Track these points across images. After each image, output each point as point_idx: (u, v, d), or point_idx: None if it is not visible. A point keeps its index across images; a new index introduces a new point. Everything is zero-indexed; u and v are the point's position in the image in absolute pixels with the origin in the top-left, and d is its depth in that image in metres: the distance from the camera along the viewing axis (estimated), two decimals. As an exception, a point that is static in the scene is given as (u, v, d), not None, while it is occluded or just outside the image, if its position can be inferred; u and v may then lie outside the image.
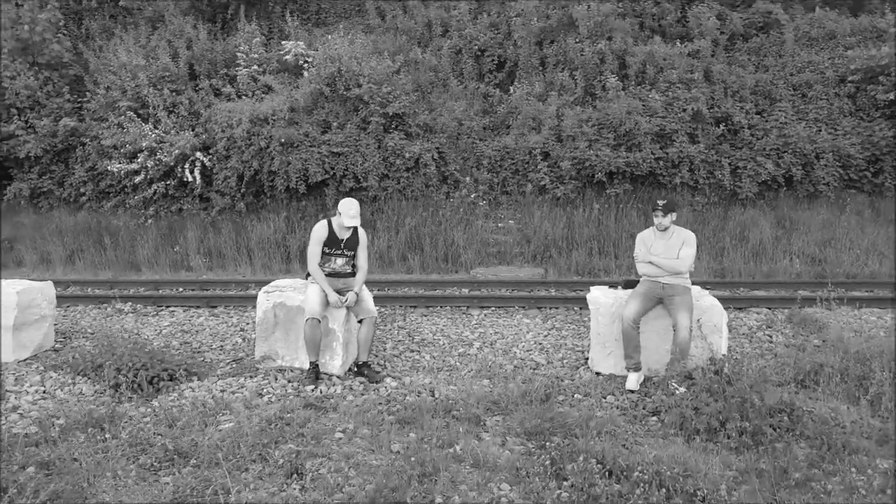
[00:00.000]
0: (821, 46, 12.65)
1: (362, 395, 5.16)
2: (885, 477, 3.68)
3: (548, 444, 4.06)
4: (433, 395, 5.11)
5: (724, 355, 5.19)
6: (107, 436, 4.08)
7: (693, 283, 5.65)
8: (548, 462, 3.81)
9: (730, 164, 11.11)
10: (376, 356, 6.08)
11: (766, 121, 11.39)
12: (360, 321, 5.53)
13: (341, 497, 3.51)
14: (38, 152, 11.92)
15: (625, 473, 3.68)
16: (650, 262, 5.48)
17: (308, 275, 5.63)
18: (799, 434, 4.27)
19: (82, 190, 12.25)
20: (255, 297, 5.88)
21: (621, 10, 12.69)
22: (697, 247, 5.67)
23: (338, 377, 5.48)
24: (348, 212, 5.47)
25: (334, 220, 5.60)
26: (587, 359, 5.97)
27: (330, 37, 12.60)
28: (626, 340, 5.38)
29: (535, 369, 5.80)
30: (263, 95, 12.00)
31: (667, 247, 5.49)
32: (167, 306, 8.09)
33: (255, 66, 12.37)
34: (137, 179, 11.53)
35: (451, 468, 3.81)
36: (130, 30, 13.38)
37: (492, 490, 3.62)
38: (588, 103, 11.82)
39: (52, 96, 12.26)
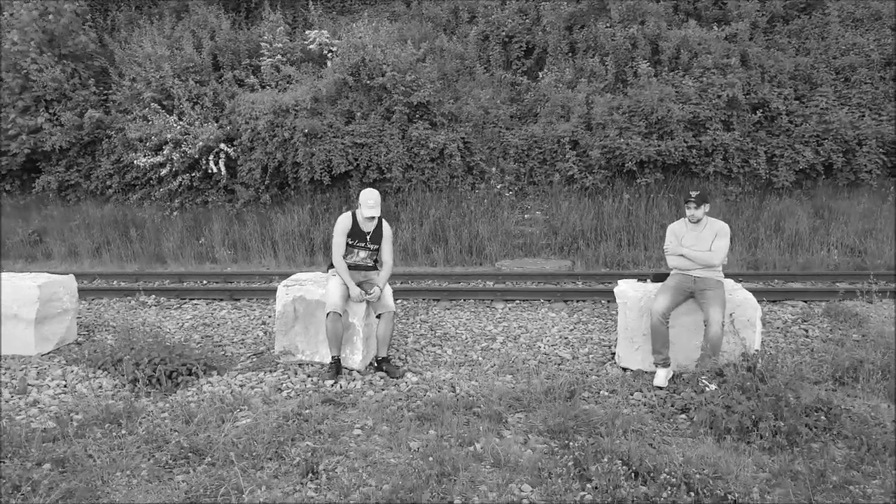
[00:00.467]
0: (866, 28, 12.08)
1: (382, 390, 5.06)
2: (932, 483, 3.46)
3: (571, 443, 3.91)
4: (454, 391, 4.98)
5: (757, 351, 4.97)
6: (123, 432, 4.05)
7: (726, 276, 5.41)
8: (571, 462, 3.65)
9: (766, 151, 10.72)
10: (397, 350, 5.98)
11: (806, 106, 10.94)
12: (378, 316, 5.42)
13: (357, 498, 3.40)
14: (65, 145, 12.06)
15: (651, 475, 3.51)
16: (681, 255, 5.27)
17: (330, 266, 5.54)
18: (836, 434, 4.05)
19: (108, 182, 12.38)
20: (277, 290, 5.81)
21: (655, -7, 12.29)
22: (731, 238, 5.42)
23: (358, 372, 5.39)
24: (367, 201, 5.36)
25: (358, 212, 5.49)
26: (614, 354, 5.79)
27: (354, 25, 12.48)
28: (655, 335, 5.19)
29: (559, 365, 5.63)
30: (287, 86, 11.94)
31: (699, 238, 5.26)
32: (190, 299, 8.12)
33: (279, 56, 12.31)
34: (163, 172, 11.59)
35: (470, 468, 3.69)
36: (155, 20, 13.43)
37: (512, 491, 3.48)
38: (619, 90, 11.51)
39: (77, 88, 12.39)
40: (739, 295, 5.41)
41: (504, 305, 7.46)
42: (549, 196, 11.22)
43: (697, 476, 3.43)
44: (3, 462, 3.66)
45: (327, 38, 12.47)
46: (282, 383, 5.16)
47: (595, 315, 7.00)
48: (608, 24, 12.07)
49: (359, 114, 11.41)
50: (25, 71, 11.93)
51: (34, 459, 3.68)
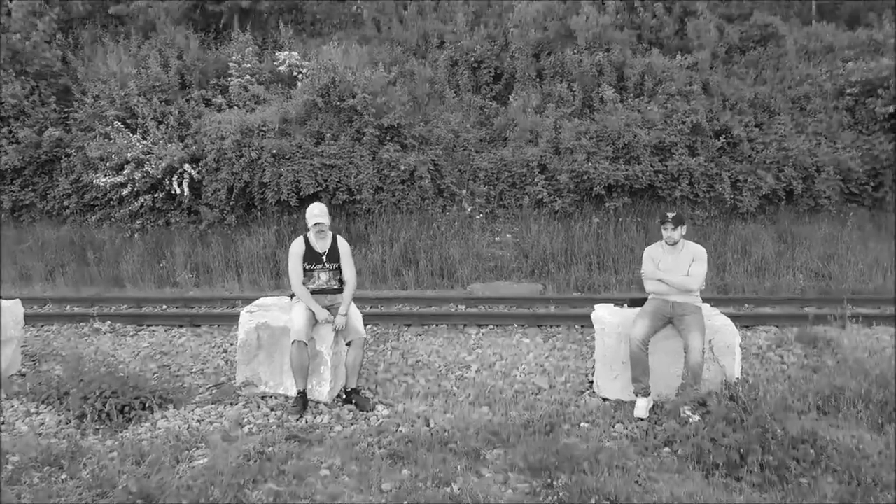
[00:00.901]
0: (819, 59, 12.50)
1: (352, 424, 4.79)
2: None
3: (555, 482, 3.70)
4: (428, 426, 4.75)
5: (738, 379, 4.86)
6: (64, 476, 3.69)
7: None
8: (555, 504, 3.46)
9: (730, 177, 10.84)
10: (367, 380, 5.71)
11: (766, 134, 11.16)
12: (347, 343, 5.16)
13: (325, 547, 3.14)
14: (20, 163, 11.53)
15: (640, 517, 3.33)
16: (659, 280, 5.16)
17: (293, 295, 5.28)
18: (825, 468, 3.93)
19: (66, 203, 11.85)
20: (240, 315, 5.51)
21: (619, 22, 12.48)
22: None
23: (325, 405, 5.11)
24: (311, 212, 5.20)
25: (310, 234, 5.26)
26: (591, 382, 5.63)
27: (325, 47, 12.33)
28: (635, 363, 5.04)
29: (537, 394, 5.44)
30: (255, 106, 11.69)
31: (676, 262, 5.17)
32: (148, 325, 7.70)
33: (248, 76, 12.07)
34: (124, 192, 11.15)
35: (447, 511, 3.46)
36: (121, 39, 13.07)
37: (493, 537, 3.26)
38: (586, 115, 11.56)
39: (37, 105, 11.92)
40: (718, 320, 5.33)
41: (477, 331, 7.25)
42: (519, 219, 11.14)
43: (687, 515, 3.26)
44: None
45: (297, 59, 12.29)
46: (243, 417, 4.85)
47: (570, 341, 6.85)
48: (575, 51, 12.18)
49: (328, 135, 11.21)
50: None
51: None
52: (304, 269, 5.23)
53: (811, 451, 3.98)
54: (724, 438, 4.08)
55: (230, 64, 12.17)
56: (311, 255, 5.23)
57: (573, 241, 10.55)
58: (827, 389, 5.02)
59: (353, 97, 11.06)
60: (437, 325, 7.48)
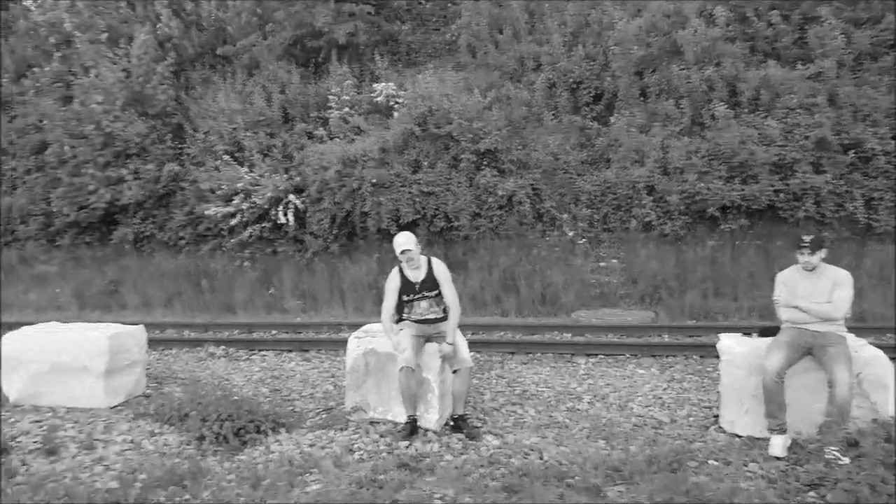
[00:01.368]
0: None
1: (461, 454, 4.60)
2: None
3: (689, 527, 3.35)
4: (542, 458, 4.48)
5: (893, 417, 4.30)
6: (187, 496, 3.73)
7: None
8: (692, 551, 3.11)
9: (863, 194, 9.93)
10: (474, 408, 5.52)
11: (907, 145, 10.13)
12: (454, 371, 5.00)
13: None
14: (141, 198, 12.39)
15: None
16: (796, 307, 4.68)
17: (399, 319, 5.19)
18: None
19: (181, 234, 12.60)
20: (346, 341, 5.51)
21: (731, 34, 11.85)
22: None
23: (434, 433, 4.97)
24: (396, 241, 5.08)
25: (403, 264, 5.13)
26: (717, 416, 5.17)
27: (420, 76, 12.52)
28: (769, 397, 4.57)
29: (657, 429, 5.05)
30: (355, 137, 12.00)
31: (815, 289, 4.66)
32: (259, 350, 7.94)
33: (347, 108, 12.44)
34: (233, 222, 11.72)
35: (571, 553, 3.19)
36: (228, 77, 13.89)
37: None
38: (696, 133, 11.00)
39: (156, 143, 12.82)
40: (867, 352, 4.77)
41: (586, 360, 6.92)
42: (625, 243, 10.69)
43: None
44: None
45: (394, 89, 12.54)
46: (353, 443, 4.78)
47: (689, 372, 6.39)
48: (682, 67, 11.67)
49: (426, 163, 11.31)
50: (109, 129, 12.42)
51: (94, 527, 3.40)
52: (404, 301, 5.09)
53: None
54: (882, 485, 3.58)
55: (329, 97, 12.59)
56: (406, 286, 5.08)
57: (686, 265, 9.99)
58: None
59: (450, 123, 11.12)
60: (541, 354, 7.22)
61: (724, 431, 4.92)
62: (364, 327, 5.82)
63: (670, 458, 4.32)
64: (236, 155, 12.21)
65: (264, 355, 7.70)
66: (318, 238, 11.56)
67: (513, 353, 7.28)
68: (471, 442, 4.81)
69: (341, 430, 5.05)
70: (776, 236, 10.07)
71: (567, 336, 8.12)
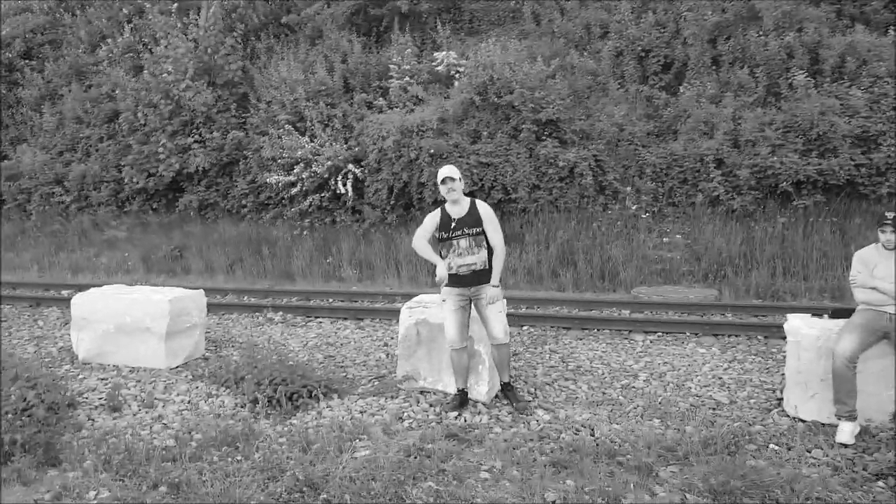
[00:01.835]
0: None
1: (511, 427, 4.56)
2: None
3: (744, 512, 3.21)
4: (593, 435, 4.39)
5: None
6: (239, 457, 3.83)
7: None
8: (747, 537, 2.98)
9: (957, 170, 9.18)
10: (525, 382, 5.45)
11: None
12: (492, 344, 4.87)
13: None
14: (206, 165, 12.71)
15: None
16: (873, 288, 4.38)
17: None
18: None
19: (244, 202, 12.87)
20: (399, 311, 5.52)
21: (814, -3, 11.09)
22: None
23: (484, 404, 4.94)
24: (440, 171, 4.77)
25: (446, 204, 4.83)
26: (780, 400, 4.95)
27: (483, 45, 12.28)
28: (839, 382, 4.33)
29: (715, 409, 4.86)
30: (414, 107, 11.92)
31: (897, 269, 4.35)
32: (316, 317, 8.07)
33: (407, 78, 12.34)
34: (294, 191, 11.89)
35: (619, 532, 3.11)
36: (291, 47, 13.99)
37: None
38: (771, 104, 10.39)
39: (221, 112, 13.09)
40: (951, 339, 4.42)
41: (644, 337, 6.72)
42: (690, 218, 10.27)
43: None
44: (124, 480, 3.55)
45: (455, 59, 12.35)
46: (403, 412, 4.81)
47: (752, 353, 6.11)
48: (759, 33, 11.00)
49: (485, 133, 11.13)
50: (177, 97, 12.77)
51: (151, 480, 3.53)
52: (442, 238, 4.73)
53: None
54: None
55: (390, 66, 12.51)
56: (445, 223, 4.71)
57: (754, 242, 9.52)
58: None
59: (511, 93, 10.87)
60: (598, 330, 7.05)
61: (786, 415, 4.71)
62: (416, 297, 5.80)
63: (727, 441, 4.17)
64: (297, 125, 12.34)
65: (320, 322, 7.83)
66: (376, 209, 11.61)
67: (568, 329, 7.14)
68: (520, 415, 4.75)
69: (392, 397, 5.09)
70: (854, 214, 9.46)
71: (625, 313, 7.90)
